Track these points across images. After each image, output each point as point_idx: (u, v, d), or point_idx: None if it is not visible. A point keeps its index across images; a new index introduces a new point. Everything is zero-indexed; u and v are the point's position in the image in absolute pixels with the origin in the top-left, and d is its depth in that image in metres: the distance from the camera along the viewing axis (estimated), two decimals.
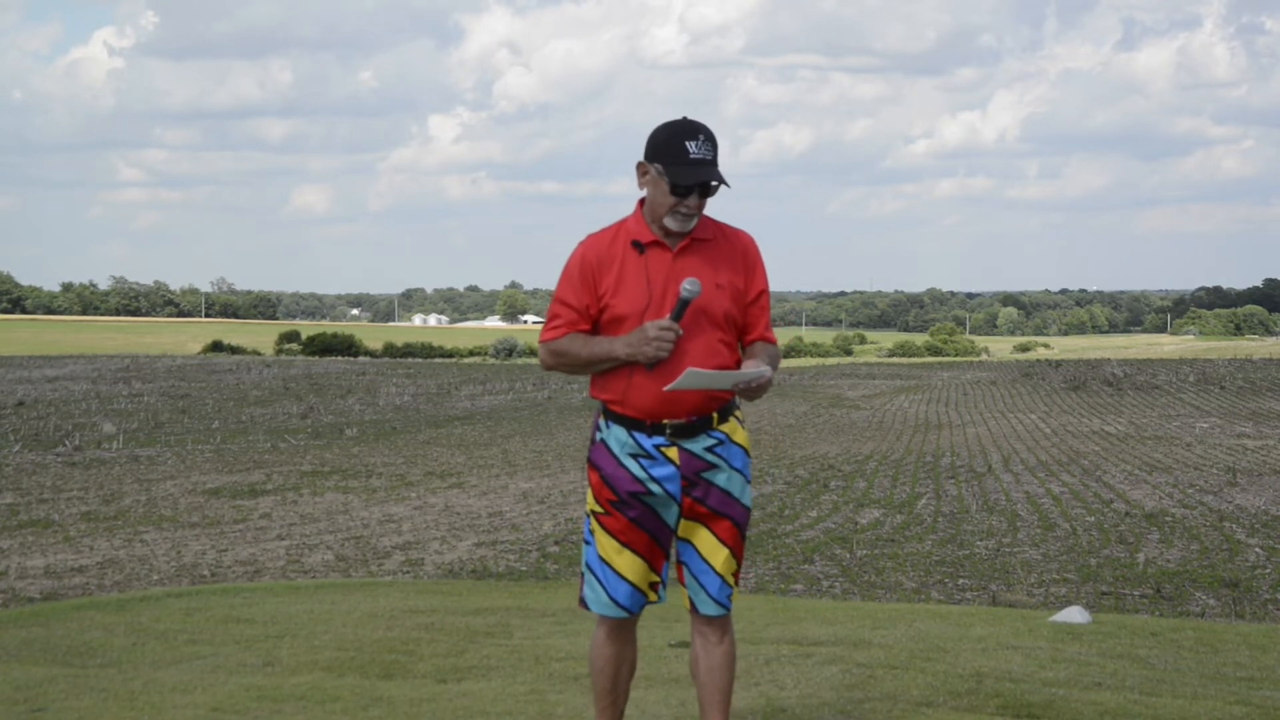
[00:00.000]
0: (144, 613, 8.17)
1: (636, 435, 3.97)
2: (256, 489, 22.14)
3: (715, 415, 4.00)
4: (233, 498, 20.97)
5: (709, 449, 3.99)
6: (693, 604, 4.09)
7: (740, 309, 4.03)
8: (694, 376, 3.82)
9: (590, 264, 3.98)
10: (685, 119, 3.95)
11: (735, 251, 4.05)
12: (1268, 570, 15.46)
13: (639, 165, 3.99)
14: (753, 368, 3.89)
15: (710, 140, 3.92)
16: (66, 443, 29.38)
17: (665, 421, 3.95)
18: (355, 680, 5.86)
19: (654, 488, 3.97)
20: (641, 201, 4.03)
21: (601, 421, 4.05)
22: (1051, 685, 5.78)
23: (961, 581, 14.60)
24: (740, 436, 4.06)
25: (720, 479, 4.00)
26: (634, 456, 3.97)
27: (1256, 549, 16.97)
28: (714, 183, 3.93)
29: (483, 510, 19.88)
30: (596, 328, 4.00)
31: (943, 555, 16.40)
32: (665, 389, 3.86)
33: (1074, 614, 8.25)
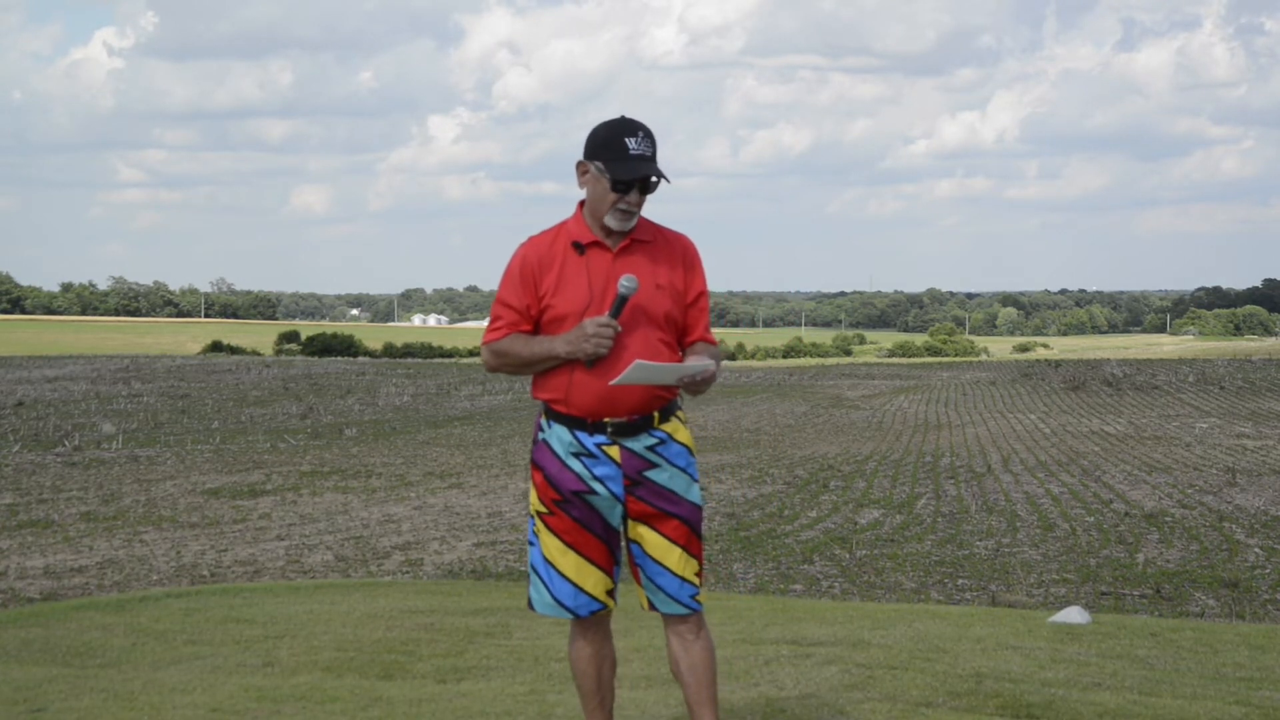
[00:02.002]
0: (143, 613, 8.17)
1: (578, 434, 3.97)
2: (256, 489, 22.14)
3: (657, 415, 4.00)
4: (232, 498, 20.96)
5: (650, 448, 3.99)
6: (651, 604, 4.07)
7: (680, 310, 4.04)
8: (640, 369, 3.82)
9: (531, 265, 3.99)
10: (624, 117, 3.97)
11: (675, 253, 4.06)
12: (1267, 570, 15.46)
13: (579, 165, 4.00)
14: (697, 363, 3.91)
15: (650, 138, 3.94)
16: (66, 443, 29.37)
17: (606, 420, 3.95)
18: (354, 681, 5.86)
19: (597, 487, 3.97)
20: (582, 203, 4.04)
21: (543, 421, 4.06)
22: (1051, 685, 5.78)
23: (961, 582, 14.60)
24: (682, 435, 4.06)
25: (662, 478, 4.00)
26: (576, 456, 3.98)
27: (1256, 549, 16.97)
28: (654, 179, 3.94)
29: (482, 510, 19.87)
30: (538, 329, 4.01)
31: (942, 555, 16.40)
32: (611, 383, 3.86)
33: (1073, 614, 8.25)
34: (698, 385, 3.93)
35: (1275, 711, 5.45)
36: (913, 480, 25.05)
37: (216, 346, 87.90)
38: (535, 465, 4.06)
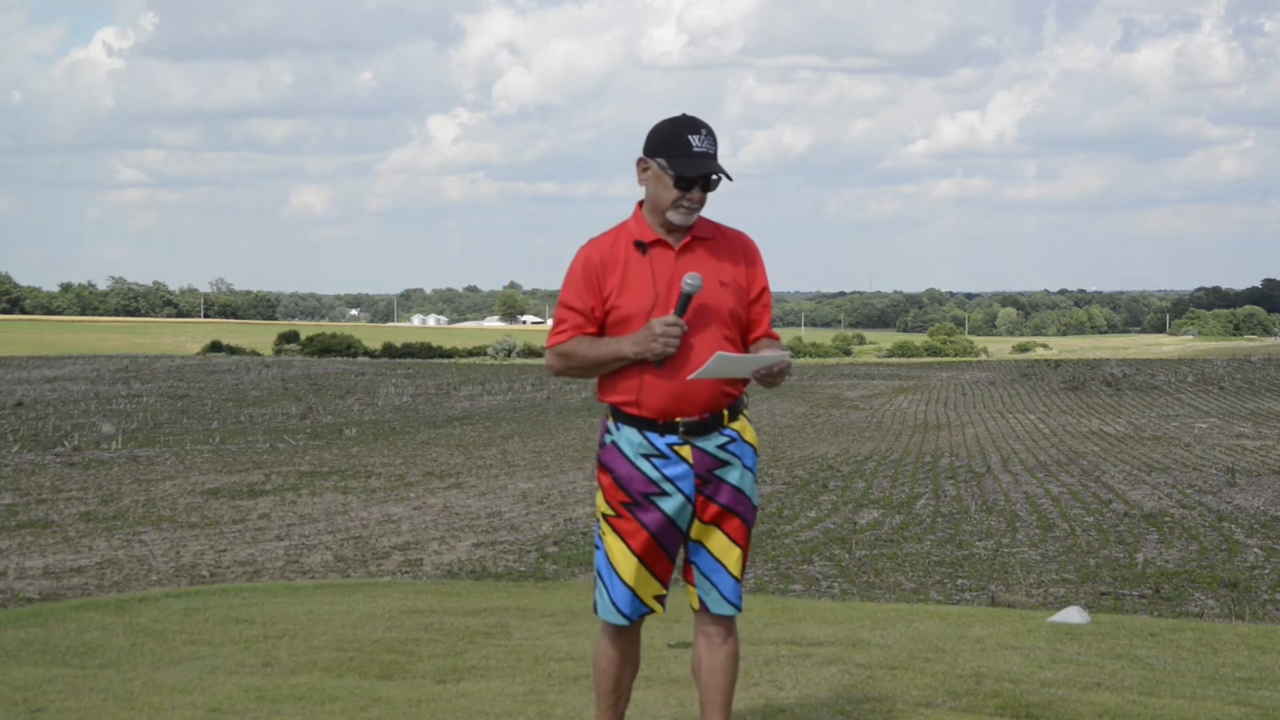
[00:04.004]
0: (143, 613, 8.17)
1: (649, 435, 3.95)
2: (255, 489, 22.13)
3: (726, 413, 3.99)
4: (231, 498, 20.96)
5: (721, 447, 3.98)
6: (703, 604, 4.06)
7: (744, 306, 4.03)
8: (722, 360, 3.81)
9: (594, 266, 3.97)
10: (686, 115, 3.96)
11: (736, 250, 4.06)
12: (1266, 571, 15.46)
13: (639, 161, 3.98)
14: (773, 354, 3.90)
15: (711, 135, 3.94)
16: (65, 443, 29.37)
17: (678, 420, 3.94)
18: (354, 681, 5.86)
19: (668, 487, 3.95)
20: (640, 204, 4.03)
21: (611, 424, 4.03)
22: (1050, 685, 5.78)
23: (960, 582, 14.59)
24: (750, 435, 4.06)
25: (733, 476, 4.00)
26: (646, 457, 3.96)
27: (1255, 549, 16.97)
28: (715, 177, 3.93)
29: (481, 511, 19.86)
30: (602, 330, 3.99)
31: (941, 556, 16.40)
32: (691, 376, 3.85)
33: (1073, 614, 8.26)
34: (774, 377, 3.91)
35: (1275, 711, 5.45)
36: (912, 480, 25.05)
37: (216, 346, 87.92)
38: (603, 468, 4.03)
